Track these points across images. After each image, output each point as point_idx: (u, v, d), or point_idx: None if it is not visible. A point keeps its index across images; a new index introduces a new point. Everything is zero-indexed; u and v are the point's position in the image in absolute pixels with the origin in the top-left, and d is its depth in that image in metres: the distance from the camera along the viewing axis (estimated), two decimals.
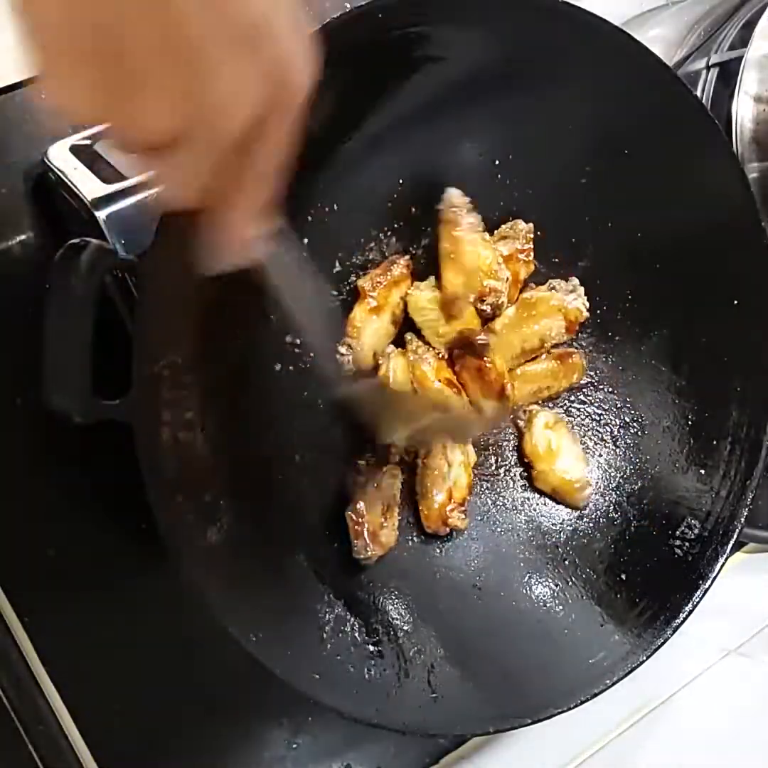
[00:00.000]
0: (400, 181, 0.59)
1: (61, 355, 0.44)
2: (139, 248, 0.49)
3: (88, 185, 0.52)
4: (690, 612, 0.57)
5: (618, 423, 0.65)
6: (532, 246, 0.62)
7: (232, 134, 0.29)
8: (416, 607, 0.58)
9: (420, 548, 0.61)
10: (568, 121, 0.59)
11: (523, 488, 0.64)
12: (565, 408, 0.66)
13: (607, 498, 0.64)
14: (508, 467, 0.65)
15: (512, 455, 0.65)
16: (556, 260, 0.64)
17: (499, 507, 0.64)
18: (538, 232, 0.63)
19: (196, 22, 0.26)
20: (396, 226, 0.60)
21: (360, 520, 0.57)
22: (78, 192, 0.52)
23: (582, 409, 0.66)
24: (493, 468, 0.64)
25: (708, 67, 0.68)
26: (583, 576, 0.61)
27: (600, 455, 0.65)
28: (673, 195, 0.61)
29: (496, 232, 0.62)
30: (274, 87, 0.29)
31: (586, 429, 0.66)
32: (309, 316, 0.46)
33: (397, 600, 0.58)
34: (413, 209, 0.60)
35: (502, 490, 0.64)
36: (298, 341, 0.57)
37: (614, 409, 0.66)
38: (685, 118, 0.57)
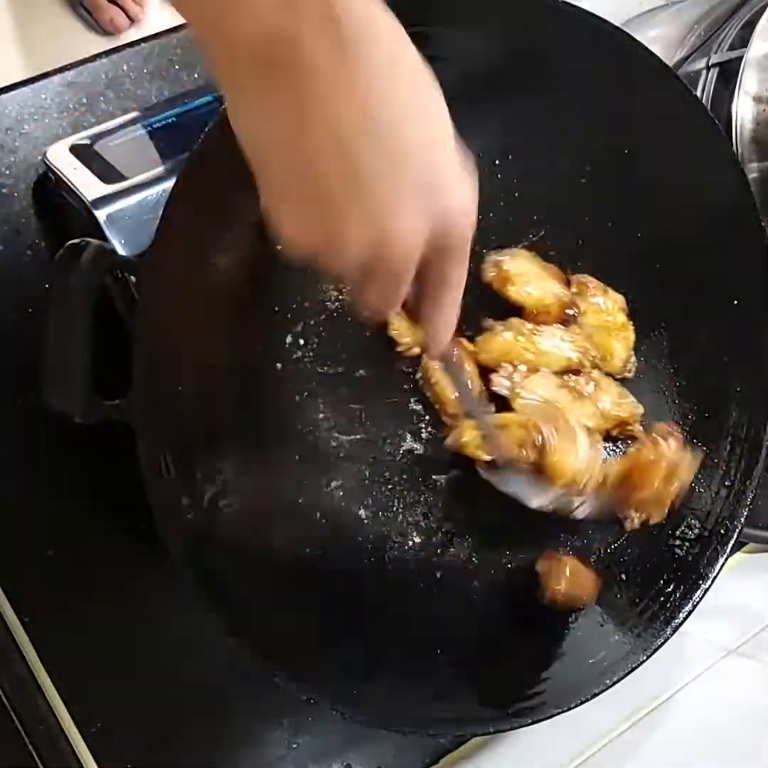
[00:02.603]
0: None
1: (61, 355, 0.44)
2: (139, 248, 0.49)
3: (88, 185, 0.52)
4: (690, 612, 0.57)
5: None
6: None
7: (408, 264, 0.35)
8: (416, 607, 0.58)
9: (420, 548, 0.61)
10: (568, 121, 0.59)
11: None
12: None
13: None
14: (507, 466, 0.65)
15: None
16: (556, 260, 0.64)
17: (499, 506, 0.64)
18: (538, 232, 0.63)
19: (377, 184, 0.32)
20: None
21: None
22: (78, 192, 0.52)
23: None
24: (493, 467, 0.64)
25: (708, 67, 0.68)
26: None
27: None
28: (673, 195, 0.61)
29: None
30: (441, 231, 0.34)
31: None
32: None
33: (397, 600, 0.58)
34: None
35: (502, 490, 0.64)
36: (300, 342, 0.57)
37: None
38: (685, 118, 0.57)
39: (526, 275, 0.59)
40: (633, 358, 0.64)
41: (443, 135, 0.35)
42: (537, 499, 0.58)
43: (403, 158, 0.32)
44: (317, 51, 0.29)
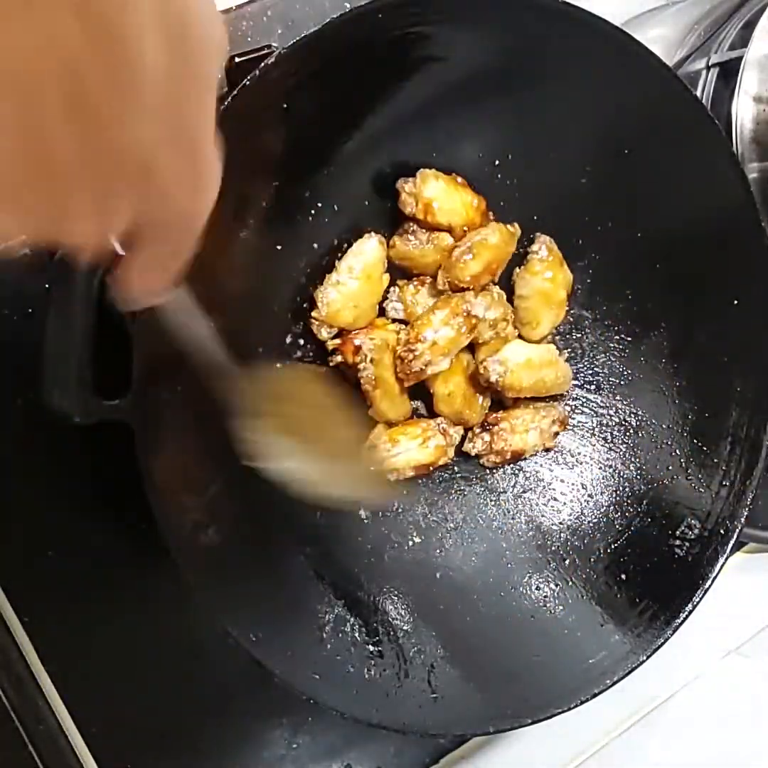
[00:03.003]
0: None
1: (61, 355, 0.44)
2: None
3: None
4: (690, 612, 0.57)
5: (618, 423, 0.65)
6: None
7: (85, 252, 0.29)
8: (416, 607, 0.58)
9: (420, 548, 0.61)
10: (568, 121, 0.59)
11: (523, 488, 0.64)
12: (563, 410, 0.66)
13: (607, 498, 0.64)
14: (507, 466, 0.65)
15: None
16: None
17: (498, 507, 0.64)
18: (538, 232, 0.63)
19: (65, 149, 0.25)
20: (396, 226, 0.60)
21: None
22: None
23: (582, 410, 0.66)
24: (493, 467, 0.64)
25: (708, 67, 0.67)
26: (583, 576, 0.61)
27: (600, 455, 0.65)
28: (673, 195, 0.61)
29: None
30: (149, 216, 0.29)
31: (586, 429, 0.66)
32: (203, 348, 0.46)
33: (397, 600, 0.58)
34: None
35: (501, 490, 0.64)
36: (300, 342, 0.57)
37: (614, 410, 0.66)
38: (685, 118, 0.57)
39: (439, 198, 0.58)
40: (551, 337, 0.65)
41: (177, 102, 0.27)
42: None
43: (105, 134, 0.25)
44: None
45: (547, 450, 0.65)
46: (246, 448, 0.48)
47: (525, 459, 0.64)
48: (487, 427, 0.63)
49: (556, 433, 0.64)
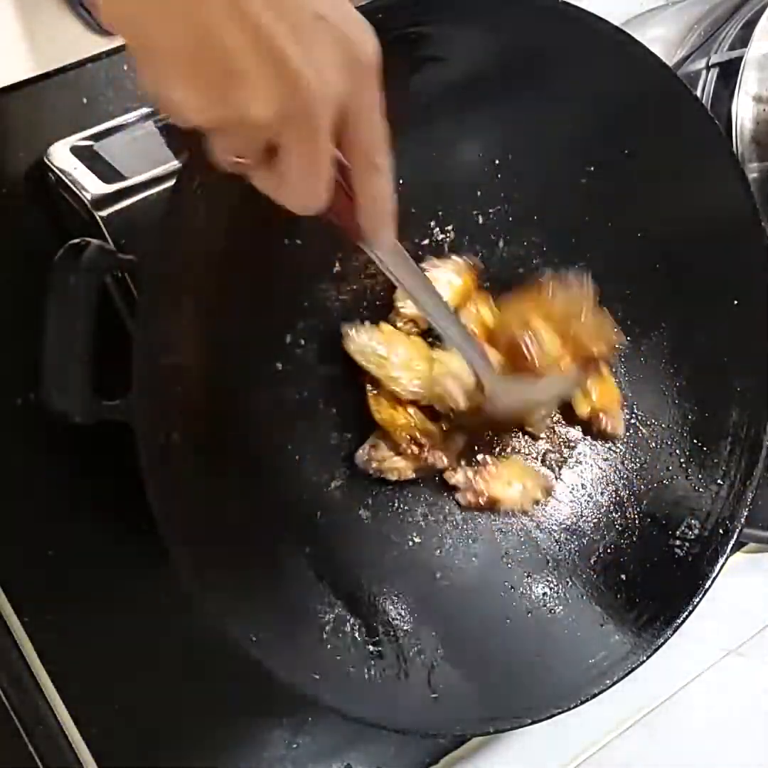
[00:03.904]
0: (400, 181, 0.58)
1: (61, 355, 0.44)
2: (139, 248, 0.49)
3: (88, 185, 0.52)
4: (690, 612, 0.57)
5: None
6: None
7: (326, 112, 0.31)
8: (416, 607, 0.58)
9: (420, 548, 0.61)
10: (568, 121, 0.59)
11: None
12: (563, 410, 0.66)
13: (607, 498, 0.64)
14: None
15: (511, 453, 0.65)
16: (556, 260, 0.64)
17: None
18: (538, 232, 0.63)
19: (271, 22, 0.29)
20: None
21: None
22: (78, 192, 0.52)
23: None
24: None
25: (708, 67, 0.67)
26: (583, 576, 0.61)
27: (600, 455, 0.65)
28: (673, 195, 0.61)
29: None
30: (351, 63, 0.32)
31: (586, 429, 0.66)
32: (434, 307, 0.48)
33: (397, 600, 0.58)
34: (413, 209, 0.60)
35: None
36: (301, 341, 0.57)
37: None
38: (685, 118, 0.57)
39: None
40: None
41: None
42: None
43: (308, 8, 0.30)
44: None
45: (524, 513, 0.63)
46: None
47: (498, 513, 0.63)
48: (474, 464, 0.62)
49: (537, 501, 0.63)
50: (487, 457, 0.63)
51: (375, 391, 0.58)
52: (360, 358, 0.56)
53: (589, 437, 0.65)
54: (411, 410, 0.58)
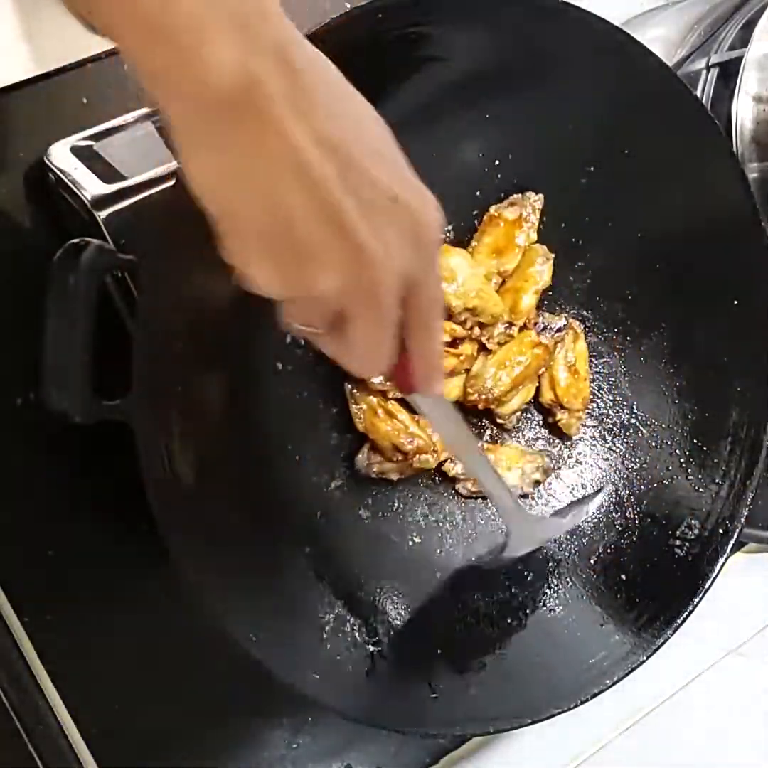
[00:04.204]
0: None
1: (61, 355, 0.44)
2: (139, 248, 0.49)
3: (88, 185, 0.52)
4: (690, 612, 0.57)
5: (618, 423, 0.65)
6: (538, 216, 0.62)
7: (390, 287, 0.33)
8: (416, 608, 0.58)
9: (420, 548, 0.61)
10: (568, 121, 0.59)
11: (523, 487, 0.64)
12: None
13: (607, 498, 0.64)
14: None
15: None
16: (556, 260, 0.64)
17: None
18: (538, 232, 0.63)
19: (344, 199, 0.31)
20: None
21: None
22: (78, 192, 0.52)
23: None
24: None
25: (708, 67, 0.67)
26: (583, 576, 0.61)
27: (600, 455, 0.65)
28: (673, 195, 0.61)
29: (506, 198, 0.62)
30: (415, 241, 0.33)
31: (586, 429, 0.66)
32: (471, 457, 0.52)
33: (397, 600, 0.58)
34: None
35: None
36: (301, 342, 0.57)
37: (614, 410, 0.66)
38: (685, 118, 0.57)
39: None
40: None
41: (407, 167, 0.34)
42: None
43: (371, 179, 0.32)
44: (276, 88, 0.29)
45: (524, 496, 0.64)
46: None
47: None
48: None
49: (538, 482, 0.64)
50: (483, 444, 0.63)
51: (356, 393, 0.58)
52: None
53: (545, 429, 0.66)
54: (399, 415, 0.58)
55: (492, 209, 0.61)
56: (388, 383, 0.57)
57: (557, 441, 0.66)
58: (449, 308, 0.58)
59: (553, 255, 0.63)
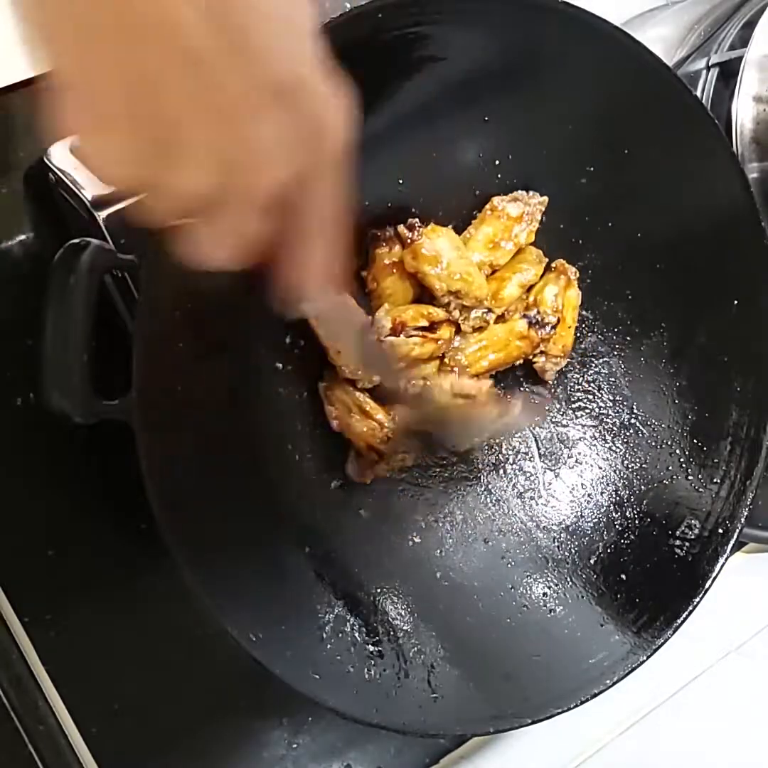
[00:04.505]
0: (400, 182, 0.59)
1: (61, 355, 0.44)
2: (139, 248, 0.49)
3: (88, 185, 0.52)
4: (690, 612, 0.57)
5: (618, 423, 0.65)
6: (539, 217, 0.61)
7: (268, 191, 0.29)
8: (416, 607, 0.58)
9: (420, 548, 0.61)
10: (568, 121, 0.59)
11: (523, 487, 0.64)
12: (563, 410, 0.66)
13: (607, 498, 0.64)
14: (507, 466, 0.65)
15: (510, 453, 0.65)
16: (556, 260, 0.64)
17: (498, 507, 0.64)
18: (538, 232, 0.63)
19: (227, 81, 0.26)
20: (396, 226, 0.60)
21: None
22: (78, 192, 0.52)
23: (582, 409, 0.66)
24: (493, 467, 0.64)
25: (708, 67, 0.67)
26: (583, 576, 0.61)
27: (600, 455, 0.65)
28: (673, 195, 0.61)
29: (511, 194, 0.61)
30: (309, 143, 0.29)
31: (586, 429, 0.66)
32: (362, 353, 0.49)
33: (397, 600, 0.58)
34: (413, 209, 0.60)
35: (501, 490, 0.64)
36: (301, 342, 0.57)
37: (614, 410, 0.66)
38: (685, 118, 0.57)
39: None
40: None
41: (311, 51, 0.28)
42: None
43: (267, 70, 0.27)
44: None
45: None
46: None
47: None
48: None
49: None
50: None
51: (330, 393, 0.58)
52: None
53: (527, 382, 0.66)
54: (376, 415, 0.58)
55: (495, 200, 0.61)
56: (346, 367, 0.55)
57: (557, 441, 0.66)
58: (432, 290, 0.58)
59: (546, 259, 0.62)
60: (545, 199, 0.61)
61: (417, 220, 0.58)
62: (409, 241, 0.57)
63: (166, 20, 0.25)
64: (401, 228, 0.58)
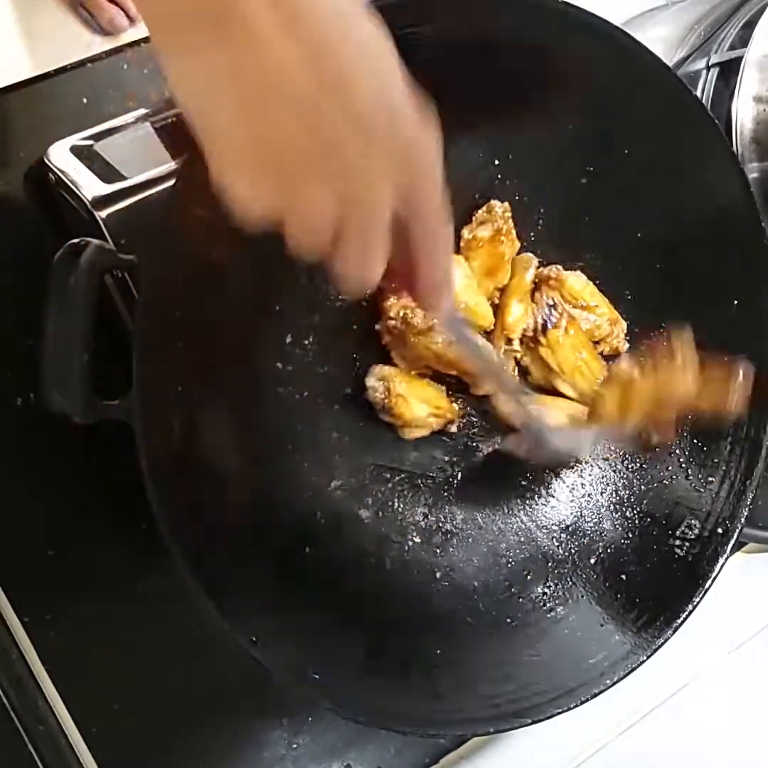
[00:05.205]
0: None
1: (61, 355, 0.44)
2: (139, 248, 0.49)
3: (88, 185, 0.52)
4: (690, 612, 0.57)
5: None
6: (511, 224, 0.61)
7: (382, 214, 0.34)
8: (416, 608, 0.58)
9: (420, 548, 0.61)
10: (568, 121, 0.59)
11: (523, 488, 0.64)
12: None
13: (606, 498, 0.64)
14: (507, 466, 0.65)
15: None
16: (556, 260, 0.64)
17: (498, 507, 0.64)
18: (538, 233, 0.63)
19: (333, 124, 0.30)
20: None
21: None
22: (78, 192, 0.52)
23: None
24: (493, 467, 0.64)
25: (708, 67, 0.68)
26: (583, 576, 0.61)
27: (600, 455, 0.65)
28: (673, 195, 0.61)
29: (473, 218, 0.61)
30: (408, 164, 0.33)
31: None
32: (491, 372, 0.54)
33: (397, 600, 0.58)
34: None
35: (501, 490, 0.64)
36: (301, 341, 0.57)
37: None
38: (685, 118, 0.57)
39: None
40: None
41: (399, 79, 0.34)
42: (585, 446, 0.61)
43: (365, 105, 0.31)
44: (259, 5, 0.28)
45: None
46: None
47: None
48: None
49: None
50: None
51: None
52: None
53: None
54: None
55: (465, 232, 0.61)
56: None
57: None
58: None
59: (537, 261, 0.62)
60: (506, 205, 0.60)
61: None
62: None
63: (280, 75, 0.29)
64: None
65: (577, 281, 0.63)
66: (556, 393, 0.62)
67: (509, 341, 0.61)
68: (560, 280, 0.61)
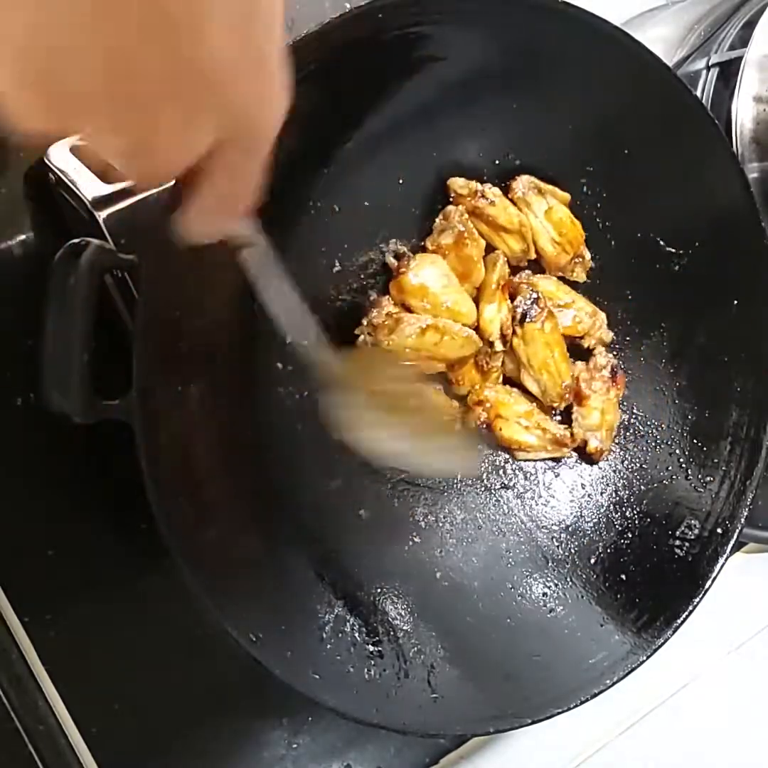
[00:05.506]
0: (400, 181, 0.59)
1: (61, 355, 0.44)
2: (139, 248, 0.49)
3: (88, 185, 0.52)
4: (690, 612, 0.57)
5: (618, 423, 0.65)
6: (471, 225, 0.60)
7: (169, 169, 0.31)
8: (416, 607, 0.58)
9: (420, 548, 0.61)
10: (568, 121, 0.59)
11: (523, 487, 0.64)
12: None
13: (606, 498, 0.64)
14: (507, 466, 0.65)
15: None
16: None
17: (498, 507, 0.64)
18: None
19: (147, 67, 0.27)
20: (396, 226, 0.60)
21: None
22: (78, 192, 0.52)
23: None
24: (493, 467, 0.64)
25: (708, 67, 0.68)
26: (583, 576, 0.61)
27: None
28: (673, 195, 0.61)
29: (433, 227, 0.60)
30: (230, 130, 0.30)
31: None
32: (286, 312, 0.47)
33: (397, 600, 0.58)
34: (413, 209, 0.60)
35: (501, 490, 0.64)
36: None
37: None
38: (685, 118, 0.57)
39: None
40: None
41: (270, 33, 0.29)
42: None
43: (217, 38, 0.27)
44: None
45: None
46: (336, 420, 0.49)
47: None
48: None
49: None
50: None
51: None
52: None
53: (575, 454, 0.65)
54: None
55: (428, 244, 0.60)
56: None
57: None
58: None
59: (504, 259, 0.61)
60: (460, 208, 0.60)
61: (405, 249, 0.58)
62: (395, 273, 0.58)
63: None
64: (389, 258, 0.58)
65: (548, 283, 0.63)
66: (520, 387, 0.62)
67: (490, 344, 0.61)
68: (532, 284, 0.62)
